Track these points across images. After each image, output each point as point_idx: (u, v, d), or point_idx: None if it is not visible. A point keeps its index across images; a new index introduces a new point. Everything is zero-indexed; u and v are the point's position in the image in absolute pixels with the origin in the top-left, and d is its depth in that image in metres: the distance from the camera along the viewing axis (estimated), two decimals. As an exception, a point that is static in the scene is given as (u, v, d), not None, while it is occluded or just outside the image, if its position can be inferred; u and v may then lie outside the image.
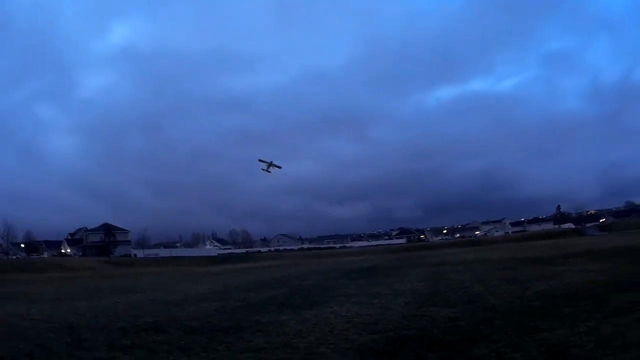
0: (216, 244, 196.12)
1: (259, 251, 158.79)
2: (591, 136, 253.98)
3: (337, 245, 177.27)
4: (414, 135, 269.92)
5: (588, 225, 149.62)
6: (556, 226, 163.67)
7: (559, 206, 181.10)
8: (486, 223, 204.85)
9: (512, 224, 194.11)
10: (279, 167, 67.21)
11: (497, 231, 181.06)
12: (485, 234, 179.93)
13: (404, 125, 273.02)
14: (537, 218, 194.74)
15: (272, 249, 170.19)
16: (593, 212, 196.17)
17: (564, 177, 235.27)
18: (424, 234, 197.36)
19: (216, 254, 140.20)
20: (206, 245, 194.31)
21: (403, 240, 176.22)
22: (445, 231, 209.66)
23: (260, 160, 70.91)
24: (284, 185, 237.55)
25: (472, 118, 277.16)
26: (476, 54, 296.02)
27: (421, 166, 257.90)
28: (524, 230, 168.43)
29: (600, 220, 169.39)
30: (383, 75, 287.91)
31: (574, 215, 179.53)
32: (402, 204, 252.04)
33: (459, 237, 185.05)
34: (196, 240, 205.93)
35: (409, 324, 12.12)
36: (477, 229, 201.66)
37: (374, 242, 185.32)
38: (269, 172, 68.58)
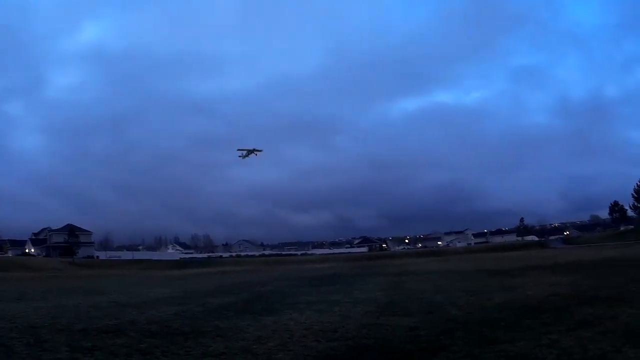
0: (178, 248, 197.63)
1: (221, 256, 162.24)
2: (558, 151, 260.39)
3: (299, 252, 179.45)
4: (377, 144, 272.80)
5: (552, 238, 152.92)
6: (519, 238, 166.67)
7: (522, 218, 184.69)
8: (448, 234, 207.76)
9: (475, 235, 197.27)
10: (260, 151, 67.54)
11: (459, 242, 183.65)
12: (448, 244, 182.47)
13: (368, 135, 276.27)
14: (500, 230, 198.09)
15: (234, 254, 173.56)
16: (557, 225, 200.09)
17: (528, 190, 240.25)
18: (386, 243, 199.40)
19: (178, 258, 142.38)
20: (168, 249, 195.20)
21: (365, 249, 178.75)
22: (407, 241, 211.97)
23: (239, 150, 71.01)
24: (247, 191, 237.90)
25: (437, 130, 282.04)
26: (442, 66, 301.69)
27: (384, 176, 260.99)
28: (486, 242, 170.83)
29: (564, 233, 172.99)
30: (349, 84, 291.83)
31: (537, 227, 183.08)
32: (364, 213, 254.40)
33: (421, 247, 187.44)
34: (159, 243, 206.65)
35: (368, 332, 12.08)
36: (439, 239, 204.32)
37: (335, 250, 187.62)
38: (250, 156, 68.79)
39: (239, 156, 73.89)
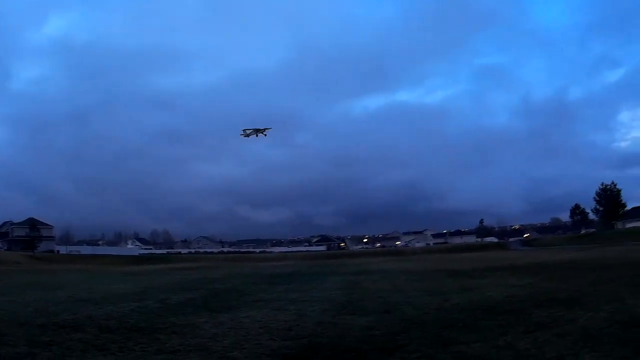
0: (138, 243, 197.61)
1: (180, 252, 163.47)
2: (520, 152, 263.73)
3: (257, 250, 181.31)
4: (339, 142, 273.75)
5: (511, 239, 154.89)
6: (479, 239, 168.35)
7: (482, 220, 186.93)
8: (407, 234, 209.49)
9: (434, 236, 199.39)
10: (269, 128, 67.52)
11: (418, 242, 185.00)
12: (407, 244, 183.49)
13: (330, 133, 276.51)
14: (460, 231, 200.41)
15: (193, 250, 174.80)
16: (517, 227, 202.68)
17: (489, 191, 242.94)
18: (344, 242, 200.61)
19: (137, 254, 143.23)
20: (128, 244, 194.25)
21: (323, 248, 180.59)
22: (366, 240, 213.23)
23: (244, 130, 70.86)
24: (207, 187, 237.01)
25: (399, 128, 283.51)
26: (407, 65, 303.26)
27: (345, 174, 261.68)
28: (445, 242, 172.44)
29: (524, 235, 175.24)
30: (312, 81, 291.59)
31: (497, 229, 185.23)
32: (324, 211, 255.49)
33: (379, 246, 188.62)
34: (118, 238, 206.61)
35: (324, 331, 12.23)
36: (398, 239, 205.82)
37: (294, 248, 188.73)
38: (258, 136, 68.66)
39: (242, 134, 73.80)
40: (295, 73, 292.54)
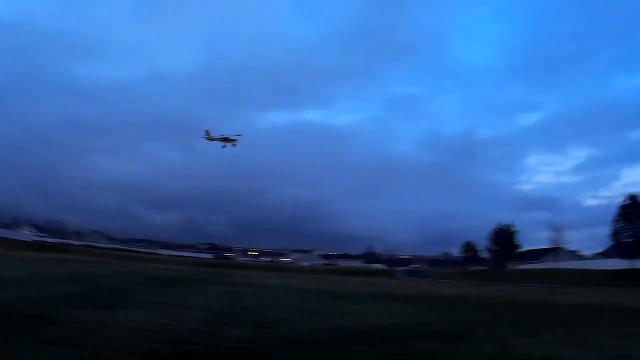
0: (33, 230, 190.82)
1: (71, 244, 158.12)
2: (421, 184, 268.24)
3: (146, 250, 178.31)
4: (241, 153, 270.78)
5: (400, 268, 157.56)
6: (366, 265, 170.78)
7: (371, 245, 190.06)
8: (296, 251, 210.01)
9: (323, 257, 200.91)
10: (239, 135, 64.59)
11: (305, 261, 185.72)
12: (294, 262, 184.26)
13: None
14: (348, 254, 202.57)
15: (85, 243, 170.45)
16: (407, 256, 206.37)
17: (383, 218, 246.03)
18: (233, 253, 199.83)
19: (31, 240, 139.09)
20: (24, 229, 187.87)
21: (211, 256, 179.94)
22: (254, 253, 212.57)
23: (207, 133, 68.26)
24: (105, 182, 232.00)
25: (302, 147, 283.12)
26: (317, 85, 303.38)
27: (242, 186, 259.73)
28: (333, 264, 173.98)
29: (412, 265, 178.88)
30: (222, 89, 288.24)
31: (386, 256, 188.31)
32: (216, 220, 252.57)
33: (267, 260, 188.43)
34: (15, 222, 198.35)
35: (197, 339, 12.32)
36: (286, 255, 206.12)
37: (182, 253, 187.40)
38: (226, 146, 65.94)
39: (206, 138, 71.70)
40: (206, 79, 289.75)
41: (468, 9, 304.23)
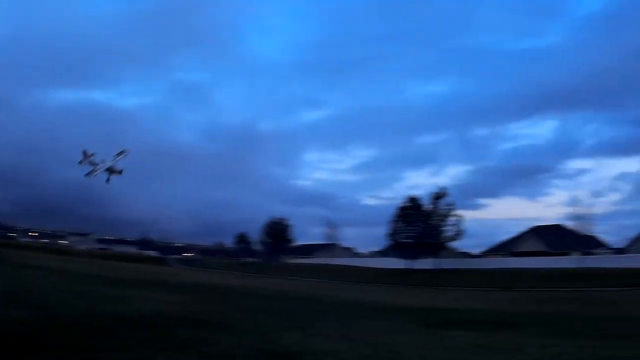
0: None
1: None
2: (199, 173, 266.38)
3: None
4: (25, 129, 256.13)
5: (172, 256, 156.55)
6: (140, 251, 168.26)
7: (145, 231, 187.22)
8: (74, 234, 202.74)
9: (99, 241, 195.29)
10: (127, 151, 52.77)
11: (82, 244, 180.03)
12: (72, 245, 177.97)
13: (19, 118, 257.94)
14: (124, 240, 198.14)
15: None
16: (181, 244, 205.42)
17: (160, 205, 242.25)
18: (15, 232, 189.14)
19: None
20: None
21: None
22: (35, 234, 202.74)
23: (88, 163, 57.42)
24: None
25: (85, 127, 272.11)
26: (105, 65, 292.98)
27: (22, 162, 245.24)
28: (108, 249, 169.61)
29: (185, 254, 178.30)
30: (17, 61, 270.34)
31: (159, 243, 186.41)
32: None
33: (46, 242, 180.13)
34: None
35: None
36: (64, 238, 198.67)
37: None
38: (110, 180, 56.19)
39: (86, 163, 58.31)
40: (6, 50, 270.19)
41: (265, 3, 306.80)
